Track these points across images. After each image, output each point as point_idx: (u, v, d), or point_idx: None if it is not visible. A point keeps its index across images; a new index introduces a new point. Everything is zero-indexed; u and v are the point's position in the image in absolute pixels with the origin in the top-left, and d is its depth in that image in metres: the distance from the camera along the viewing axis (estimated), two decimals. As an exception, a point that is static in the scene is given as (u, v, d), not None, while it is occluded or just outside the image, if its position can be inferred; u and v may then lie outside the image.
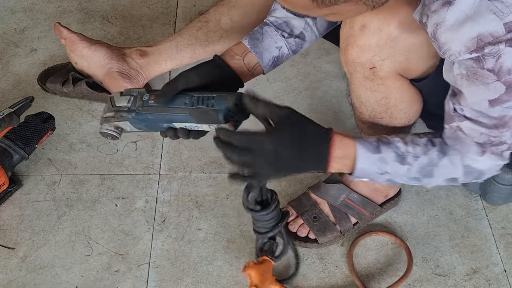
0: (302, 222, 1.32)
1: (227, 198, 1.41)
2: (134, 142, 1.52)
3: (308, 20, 1.15)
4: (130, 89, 1.08)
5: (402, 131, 1.18)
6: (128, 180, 1.44)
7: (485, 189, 1.36)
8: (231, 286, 1.26)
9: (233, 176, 0.99)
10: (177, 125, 1.04)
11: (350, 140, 1.01)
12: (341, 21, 1.09)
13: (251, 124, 1.02)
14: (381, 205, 1.34)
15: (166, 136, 1.07)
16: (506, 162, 1.06)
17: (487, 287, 1.26)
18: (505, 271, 1.29)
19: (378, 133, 1.18)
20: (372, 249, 1.32)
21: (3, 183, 1.36)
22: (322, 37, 1.21)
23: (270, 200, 1.14)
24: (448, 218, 1.37)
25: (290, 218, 1.33)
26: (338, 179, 1.33)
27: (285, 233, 1.23)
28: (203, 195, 1.41)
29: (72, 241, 1.33)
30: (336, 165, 1.00)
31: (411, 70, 1.07)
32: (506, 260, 1.30)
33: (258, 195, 1.12)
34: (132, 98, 1.06)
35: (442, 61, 1.01)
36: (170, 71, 1.64)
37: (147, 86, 1.59)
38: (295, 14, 1.14)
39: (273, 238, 1.21)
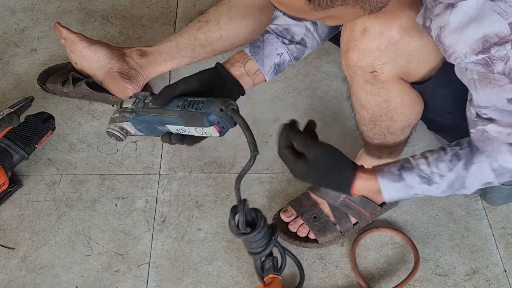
0: (302, 222, 1.32)
1: (227, 198, 1.41)
2: (134, 142, 1.52)
3: (309, 26, 1.15)
4: (138, 92, 1.11)
5: (402, 133, 1.18)
6: (128, 180, 1.44)
7: (485, 189, 1.36)
8: (231, 286, 1.26)
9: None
10: (171, 128, 1.04)
11: (373, 176, 1.07)
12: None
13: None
14: (381, 205, 1.34)
15: (165, 141, 1.08)
16: None
17: (487, 287, 1.26)
18: (505, 271, 1.29)
19: (379, 135, 1.18)
20: (372, 249, 1.32)
21: (3, 183, 1.36)
22: (323, 37, 1.21)
23: (256, 219, 1.13)
24: (448, 218, 1.37)
25: (290, 218, 1.33)
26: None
27: (278, 244, 1.21)
28: (203, 195, 1.41)
29: (72, 241, 1.33)
30: (361, 191, 1.10)
31: (412, 73, 1.07)
32: (506, 260, 1.30)
33: (244, 218, 1.10)
34: (137, 100, 1.08)
35: (444, 63, 1.01)
36: (170, 71, 1.64)
37: (147, 86, 1.59)
38: (292, 18, 1.14)
39: (270, 254, 1.19)
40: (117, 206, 1.39)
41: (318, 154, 1.05)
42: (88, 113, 1.59)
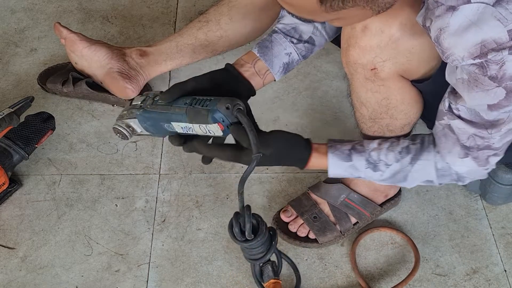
0: (302, 222, 1.32)
1: (227, 198, 1.41)
2: (134, 142, 1.52)
3: (317, 24, 1.16)
4: (149, 92, 1.11)
5: (402, 131, 1.18)
6: (128, 180, 1.44)
7: (485, 189, 1.36)
8: (231, 286, 1.26)
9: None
10: (176, 126, 1.04)
11: (325, 155, 1.12)
12: None
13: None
14: (381, 205, 1.34)
15: (173, 143, 1.08)
16: (492, 168, 1.07)
17: (487, 287, 1.26)
18: (505, 271, 1.29)
19: (378, 133, 1.19)
20: (372, 249, 1.32)
21: (3, 183, 1.36)
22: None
23: (258, 224, 1.11)
24: (448, 218, 1.37)
25: (290, 218, 1.33)
26: (338, 179, 1.33)
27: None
28: (203, 195, 1.41)
29: (72, 241, 1.33)
30: (313, 167, 1.13)
31: (412, 71, 1.07)
32: (506, 260, 1.30)
33: (250, 224, 1.08)
34: (147, 98, 1.08)
35: (444, 62, 1.01)
36: (170, 71, 1.64)
37: (147, 86, 1.59)
38: (301, 19, 1.14)
39: (268, 259, 1.17)
40: (117, 206, 1.39)
41: (274, 147, 1.06)
42: (88, 113, 1.59)
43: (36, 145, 1.41)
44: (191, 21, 1.55)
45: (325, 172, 1.14)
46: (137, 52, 1.54)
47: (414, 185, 1.15)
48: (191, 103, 1.01)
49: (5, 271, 1.28)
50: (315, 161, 1.11)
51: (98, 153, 1.50)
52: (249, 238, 1.10)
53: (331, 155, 1.12)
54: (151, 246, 1.32)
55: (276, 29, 1.17)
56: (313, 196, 1.34)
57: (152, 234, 1.34)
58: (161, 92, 1.07)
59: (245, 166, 1.01)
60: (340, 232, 1.31)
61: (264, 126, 1.08)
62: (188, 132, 1.04)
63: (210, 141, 1.09)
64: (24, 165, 1.45)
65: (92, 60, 1.54)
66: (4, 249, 1.31)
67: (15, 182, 1.41)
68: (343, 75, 1.61)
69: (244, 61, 1.15)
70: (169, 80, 1.66)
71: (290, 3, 0.84)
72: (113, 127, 1.10)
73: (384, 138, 1.15)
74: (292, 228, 1.32)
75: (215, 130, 1.00)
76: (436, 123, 1.07)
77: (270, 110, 1.59)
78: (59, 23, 1.56)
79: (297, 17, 1.13)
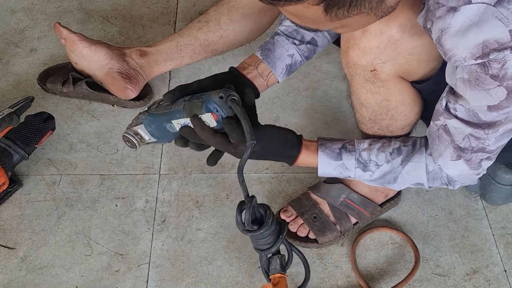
0: (302, 222, 1.32)
1: (227, 198, 1.41)
2: (134, 142, 1.52)
3: None
4: (158, 99, 1.11)
5: (402, 132, 1.18)
6: (128, 180, 1.44)
7: (485, 189, 1.37)
8: (231, 286, 1.26)
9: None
10: (175, 123, 1.04)
11: (315, 153, 1.11)
12: None
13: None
14: (381, 205, 1.34)
15: (180, 145, 1.08)
16: (483, 173, 1.08)
17: (487, 287, 1.26)
18: (505, 271, 1.29)
19: (378, 134, 1.19)
20: (372, 249, 1.32)
21: (3, 183, 1.36)
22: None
23: (265, 215, 1.10)
24: (448, 218, 1.37)
25: (290, 218, 1.33)
26: (338, 179, 1.33)
27: (285, 240, 1.18)
28: (203, 195, 1.41)
29: (72, 241, 1.33)
30: (302, 164, 1.12)
31: (412, 72, 1.07)
32: (506, 260, 1.30)
33: (252, 214, 1.08)
34: (153, 103, 1.09)
35: (444, 63, 1.01)
36: (170, 71, 1.65)
37: (147, 87, 1.59)
38: (306, 29, 1.14)
39: (277, 252, 1.16)
40: (117, 206, 1.39)
41: (265, 140, 1.06)
42: (88, 113, 1.59)
43: (36, 145, 1.41)
44: (191, 21, 1.55)
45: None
46: (137, 52, 1.55)
47: (404, 187, 1.15)
48: (190, 99, 1.02)
49: (5, 271, 1.28)
50: (305, 159, 1.11)
51: (98, 153, 1.50)
52: (250, 229, 1.09)
53: (321, 153, 1.11)
54: (151, 246, 1.32)
55: (278, 31, 1.18)
56: (313, 196, 1.34)
57: (152, 234, 1.34)
58: (164, 94, 1.08)
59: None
60: (340, 232, 1.31)
61: (264, 126, 1.08)
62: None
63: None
64: (24, 165, 1.45)
65: (92, 60, 1.54)
66: (4, 249, 1.31)
67: (15, 182, 1.41)
68: (343, 76, 1.61)
69: (247, 64, 1.16)
70: (169, 80, 1.66)
71: (295, 13, 0.83)
72: (122, 135, 1.12)
73: (376, 138, 1.15)
74: (292, 228, 1.32)
75: (209, 120, 1.00)
76: (431, 123, 1.06)
77: (270, 110, 1.59)
78: (59, 23, 1.56)
79: (301, 27, 1.13)
